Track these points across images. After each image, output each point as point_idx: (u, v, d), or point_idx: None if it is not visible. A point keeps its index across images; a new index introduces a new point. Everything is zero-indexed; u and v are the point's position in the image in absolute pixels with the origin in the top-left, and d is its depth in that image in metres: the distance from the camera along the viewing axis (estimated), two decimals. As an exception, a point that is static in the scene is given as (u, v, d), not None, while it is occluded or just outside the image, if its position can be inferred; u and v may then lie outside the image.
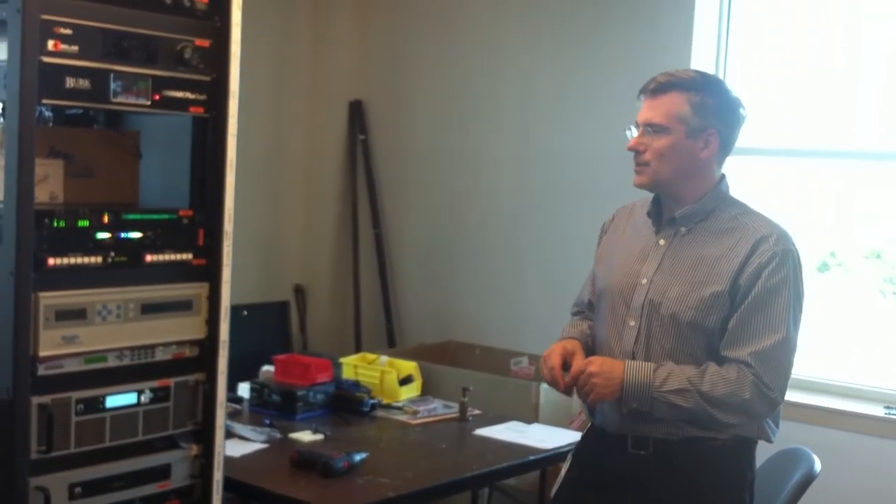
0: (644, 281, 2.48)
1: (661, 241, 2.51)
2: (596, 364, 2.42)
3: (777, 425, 2.52)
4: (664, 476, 2.44)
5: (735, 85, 4.18)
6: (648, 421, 2.42)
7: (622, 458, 2.48)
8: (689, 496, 2.44)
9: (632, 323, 2.47)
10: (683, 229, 2.49)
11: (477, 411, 3.67)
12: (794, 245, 2.43)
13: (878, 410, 3.77)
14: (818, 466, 2.82)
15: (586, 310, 2.75)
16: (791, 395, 3.87)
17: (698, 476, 2.43)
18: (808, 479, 2.78)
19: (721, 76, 4.19)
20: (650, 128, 2.44)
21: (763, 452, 3.08)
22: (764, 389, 2.35)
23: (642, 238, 2.56)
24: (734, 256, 2.40)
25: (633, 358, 2.45)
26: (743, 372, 2.35)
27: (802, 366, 4.04)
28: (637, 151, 2.46)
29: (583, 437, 2.70)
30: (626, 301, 2.50)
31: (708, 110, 2.42)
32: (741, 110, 2.49)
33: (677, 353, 2.42)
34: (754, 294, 2.36)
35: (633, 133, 2.48)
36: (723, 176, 2.52)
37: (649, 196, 2.59)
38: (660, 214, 2.54)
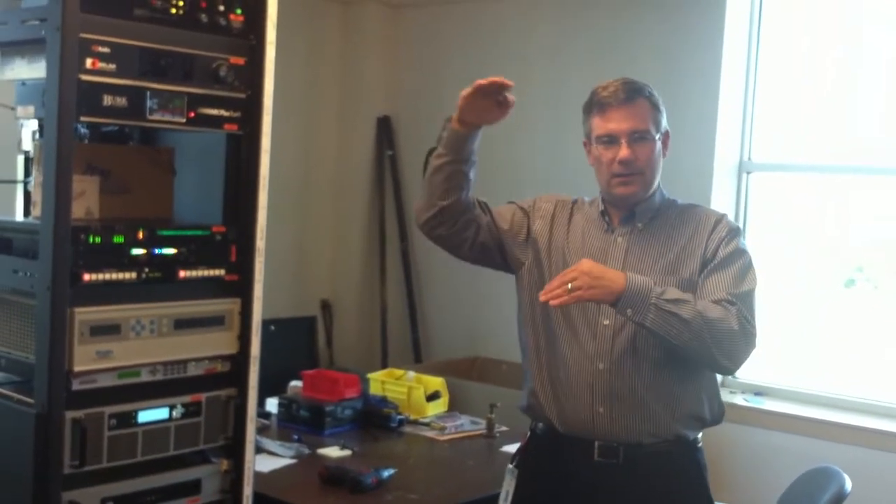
0: None
1: (619, 239, 2.51)
2: (586, 262, 2.31)
3: (721, 407, 2.54)
4: (634, 484, 2.42)
5: (765, 93, 4.19)
6: (629, 421, 2.39)
7: (586, 466, 2.43)
8: (662, 501, 2.44)
9: (606, 322, 2.44)
10: (640, 225, 2.50)
11: (504, 428, 3.67)
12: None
13: (908, 429, 3.75)
14: (849, 485, 2.80)
15: (487, 212, 2.65)
16: (820, 413, 3.90)
17: (668, 481, 2.43)
18: (839, 498, 2.76)
19: (752, 84, 4.20)
20: (637, 134, 2.44)
21: (793, 471, 3.07)
22: (746, 325, 2.35)
23: (597, 237, 2.54)
24: (698, 239, 2.46)
25: (611, 358, 2.42)
26: (727, 307, 2.35)
27: (831, 383, 4.05)
28: (630, 161, 2.44)
29: (527, 448, 2.61)
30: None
31: (661, 112, 2.50)
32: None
33: (662, 345, 2.38)
34: (719, 257, 2.42)
35: (608, 145, 2.45)
36: None
37: (583, 195, 2.64)
38: (608, 213, 2.54)
